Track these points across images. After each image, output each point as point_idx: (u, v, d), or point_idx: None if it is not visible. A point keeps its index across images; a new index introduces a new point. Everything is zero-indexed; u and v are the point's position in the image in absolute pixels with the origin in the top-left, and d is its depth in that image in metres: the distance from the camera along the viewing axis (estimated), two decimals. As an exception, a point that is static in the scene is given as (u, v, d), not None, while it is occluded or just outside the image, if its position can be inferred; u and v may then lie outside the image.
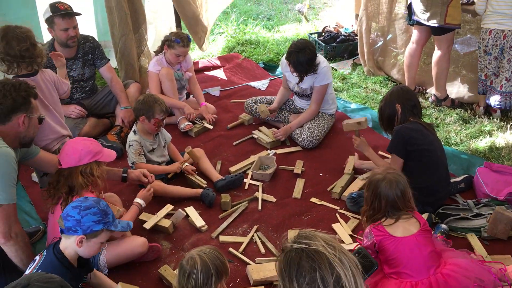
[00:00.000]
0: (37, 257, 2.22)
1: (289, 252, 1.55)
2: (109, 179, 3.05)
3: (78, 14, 3.84)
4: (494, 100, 4.20)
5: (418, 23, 4.36)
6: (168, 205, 3.22)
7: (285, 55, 3.88)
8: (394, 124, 3.15)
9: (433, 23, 4.16)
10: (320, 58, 3.93)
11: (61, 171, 2.60)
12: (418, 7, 4.25)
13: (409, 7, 4.39)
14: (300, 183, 3.57)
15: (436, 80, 4.50)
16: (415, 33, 4.50)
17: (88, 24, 5.08)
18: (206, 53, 5.89)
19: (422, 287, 2.31)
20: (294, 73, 3.87)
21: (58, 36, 3.82)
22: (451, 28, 4.18)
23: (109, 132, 4.08)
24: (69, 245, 2.16)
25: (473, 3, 4.44)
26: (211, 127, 4.29)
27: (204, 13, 5.37)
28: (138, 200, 3.02)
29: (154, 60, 4.21)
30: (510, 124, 4.21)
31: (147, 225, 3.07)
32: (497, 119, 4.28)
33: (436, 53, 4.38)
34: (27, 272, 2.21)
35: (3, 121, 2.49)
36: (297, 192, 3.49)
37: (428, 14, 4.16)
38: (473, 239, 2.93)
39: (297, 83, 4.01)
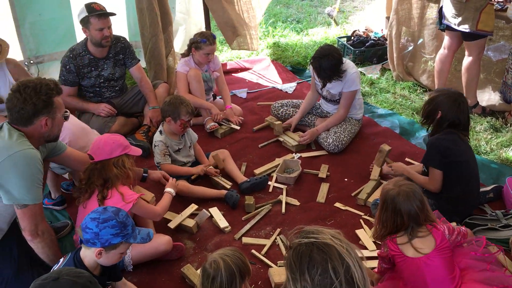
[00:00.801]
0: (61, 259, 2.26)
1: (299, 246, 1.58)
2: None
3: (113, 14, 3.94)
4: None
5: (449, 28, 4.28)
6: (193, 204, 3.26)
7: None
8: (429, 121, 3.07)
9: (464, 28, 4.08)
10: (349, 64, 3.91)
11: (94, 165, 2.69)
12: (449, 11, 4.17)
13: (440, 11, 4.32)
14: (324, 188, 3.56)
15: (466, 87, 4.41)
16: (446, 38, 4.43)
17: (120, 25, 5.17)
18: (234, 55, 5.92)
19: None
20: (317, 79, 3.87)
21: (93, 36, 3.90)
22: (483, 35, 4.10)
23: (137, 131, 4.15)
24: (89, 254, 2.16)
25: (507, 9, 4.35)
26: (237, 127, 4.32)
27: (246, 13, 5.40)
28: (168, 189, 3.11)
29: (183, 61, 4.27)
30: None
31: (172, 224, 3.11)
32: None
33: (467, 60, 4.29)
34: None
35: (25, 125, 2.47)
36: (321, 196, 3.48)
37: (459, 19, 4.09)
38: (501, 257, 2.81)
39: (320, 89, 4.00)
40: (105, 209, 2.16)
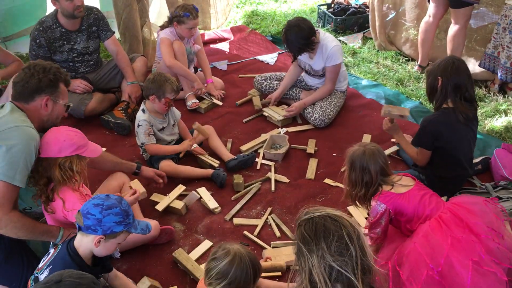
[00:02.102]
0: (51, 250, 2.15)
1: (311, 219, 1.70)
2: (121, 171, 2.99)
3: None
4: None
5: None
6: (180, 185, 3.16)
7: None
8: (434, 95, 2.96)
9: None
10: (328, 37, 3.80)
11: (40, 160, 2.38)
12: None
13: None
14: (313, 163, 3.50)
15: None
16: (432, 6, 4.34)
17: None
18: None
19: (446, 216, 2.29)
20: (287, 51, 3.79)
21: (64, 8, 3.64)
22: (470, 2, 4.03)
23: (116, 108, 3.96)
24: (85, 243, 2.07)
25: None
26: (220, 103, 4.18)
27: None
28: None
29: (167, 30, 4.05)
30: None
31: (160, 207, 3.01)
32: (512, 97, 4.19)
33: (453, 28, 4.23)
34: (40, 265, 2.15)
35: (26, 100, 2.44)
36: (311, 172, 3.42)
37: None
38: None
39: (292, 62, 3.94)
40: (108, 196, 2.09)
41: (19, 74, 2.48)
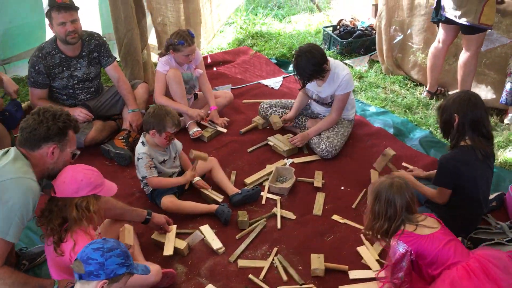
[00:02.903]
0: None
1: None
2: (130, 219, 2.85)
3: (76, 8, 3.54)
4: None
5: (446, 21, 4.08)
6: (175, 226, 3.01)
7: None
8: (450, 131, 2.85)
9: (466, 21, 3.88)
10: (339, 65, 3.70)
11: (55, 200, 2.33)
12: (450, 3, 3.95)
13: (438, 3, 4.09)
14: (320, 198, 3.37)
15: (461, 83, 4.23)
16: (441, 32, 4.23)
17: (92, 16, 4.79)
18: (215, 46, 5.61)
19: (474, 266, 2.21)
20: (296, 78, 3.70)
21: (57, 32, 3.56)
22: (484, 29, 3.92)
23: (116, 137, 3.85)
24: None
25: (502, 2, 4.19)
26: (224, 130, 4.06)
27: (215, 9, 5.10)
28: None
29: (163, 60, 3.95)
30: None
31: (168, 251, 2.85)
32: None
33: (464, 54, 4.11)
34: None
35: (32, 148, 2.34)
36: (318, 208, 3.29)
37: (461, 11, 3.88)
38: None
39: (299, 89, 3.82)
40: (105, 239, 2.02)
41: (27, 119, 2.37)
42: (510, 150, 3.82)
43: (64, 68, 3.74)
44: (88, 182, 2.32)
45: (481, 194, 2.83)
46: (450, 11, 3.96)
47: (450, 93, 4.64)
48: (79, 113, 3.75)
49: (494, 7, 3.85)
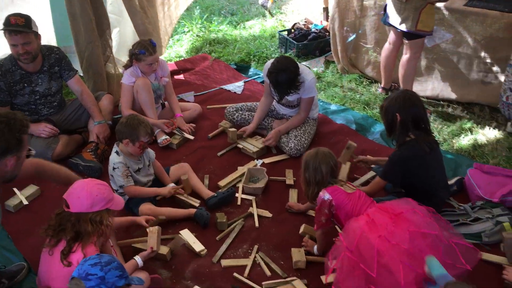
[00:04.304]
0: None
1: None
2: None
3: (29, 31, 3.46)
4: None
5: (391, 26, 4.32)
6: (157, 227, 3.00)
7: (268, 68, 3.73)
8: (395, 130, 3.02)
9: (404, 27, 4.10)
10: (305, 70, 3.82)
11: (67, 215, 2.33)
12: (391, 10, 4.19)
13: (385, 8, 4.33)
14: (293, 195, 3.48)
15: (403, 82, 4.44)
16: (391, 34, 4.46)
17: (46, 29, 4.70)
18: (173, 55, 5.64)
19: (371, 210, 2.60)
20: (274, 93, 3.78)
21: (12, 51, 3.54)
22: (422, 35, 4.16)
23: (84, 150, 3.81)
24: None
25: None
26: (191, 137, 4.09)
27: (167, 11, 5.13)
28: (138, 258, 2.71)
29: (128, 72, 3.95)
30: (487, 119, 4.29)
31: (161, 251, 2.88)
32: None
33: (404, 57, 4.34)
34: None
35: None
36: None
37: (400, 18, 4.10)
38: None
39: (277, 102, 3.95)
40: (99, 254, 2.07)
41: None
42: (463, 137, 4.08)
43: (25, 84, 3.68)
44: (102, 197, 2.35)
45: (435, 183, 3.05)
46: (392, 18, 4.19)
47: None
48: (44, 128, 3.71)
49: (432, 14, 4.05)
